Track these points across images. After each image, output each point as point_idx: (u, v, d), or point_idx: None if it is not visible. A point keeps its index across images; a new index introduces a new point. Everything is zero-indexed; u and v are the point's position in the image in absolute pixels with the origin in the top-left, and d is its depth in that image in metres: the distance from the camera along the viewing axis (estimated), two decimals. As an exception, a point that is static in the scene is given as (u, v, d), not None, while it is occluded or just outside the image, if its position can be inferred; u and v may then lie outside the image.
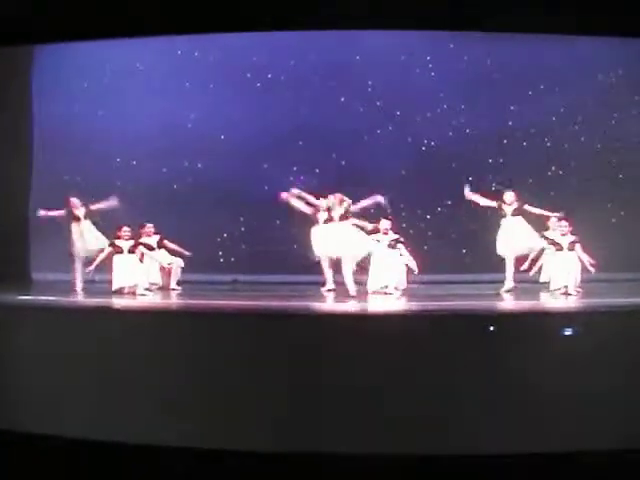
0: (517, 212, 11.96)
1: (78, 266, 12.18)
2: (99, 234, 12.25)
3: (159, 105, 13.95)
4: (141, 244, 12.17)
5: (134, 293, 11.62)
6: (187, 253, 12.41)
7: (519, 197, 11.95)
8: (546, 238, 11.95)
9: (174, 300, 11.91)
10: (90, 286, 12.06)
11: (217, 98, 14.07)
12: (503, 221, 11.99)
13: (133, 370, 8.24)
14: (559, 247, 11.66)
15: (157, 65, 14.09)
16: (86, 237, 12.17)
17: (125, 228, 12.02)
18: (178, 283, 12.59)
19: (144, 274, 12.01)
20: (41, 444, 7.43)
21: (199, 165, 14.17)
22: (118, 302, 11.12)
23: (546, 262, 11.88)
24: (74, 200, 12.29)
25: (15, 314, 9.51)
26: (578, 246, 11.56)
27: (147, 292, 11.79)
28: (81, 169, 13.75)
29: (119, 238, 11.99)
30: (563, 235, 11.66)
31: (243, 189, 13.95)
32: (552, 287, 11.63)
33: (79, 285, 12.11)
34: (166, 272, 12.54)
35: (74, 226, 12.20)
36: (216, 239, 14.28)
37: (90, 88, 13.98)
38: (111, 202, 12.25)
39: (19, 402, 8.42)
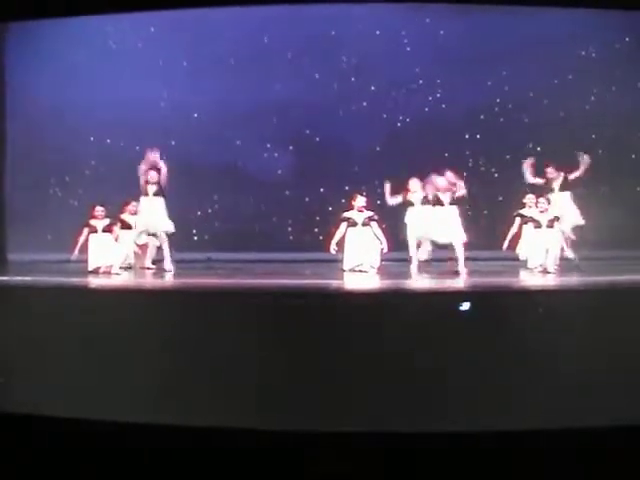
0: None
1: None
2: None
3: (132, 83, 13.74)
4: (118, 222, 12.02)
5: (109, 273, 11.51)
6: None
7: None
8: (523, 216, 11.90)
9: (149, 279, 11.81)
10: (66, 266, 11.90)
11: (190, 75, 13.95)
12: None
13: (109, 349, 8.14)
14: (537, 224, 11.59)
15: (130, 43, 13.91)
16: None
17: (98, 207, 11.88)
18: (153, 262, 12.48)
19: (121, 253, 11.88)
20: (20, 424, 7.32)
21: (172, 143, 13.96)
22: (94, 282, 11.01)
23: (525, 240, 11.84)
24: None
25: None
26: (557, 224, 11.52)
27: (122, 271, 11.68)
28: (55, 148, 13.61)
29: (94, 218, 11.85)
30: (542, 212, 11.58)
31: (216, 167, 13.89)
32: (530, 265, 11.61)
33: None
34: (141, 251, 12.41)
35: None
36: (190, 217, 14.16)
37: (63, 66, 13.68)
38: None
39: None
